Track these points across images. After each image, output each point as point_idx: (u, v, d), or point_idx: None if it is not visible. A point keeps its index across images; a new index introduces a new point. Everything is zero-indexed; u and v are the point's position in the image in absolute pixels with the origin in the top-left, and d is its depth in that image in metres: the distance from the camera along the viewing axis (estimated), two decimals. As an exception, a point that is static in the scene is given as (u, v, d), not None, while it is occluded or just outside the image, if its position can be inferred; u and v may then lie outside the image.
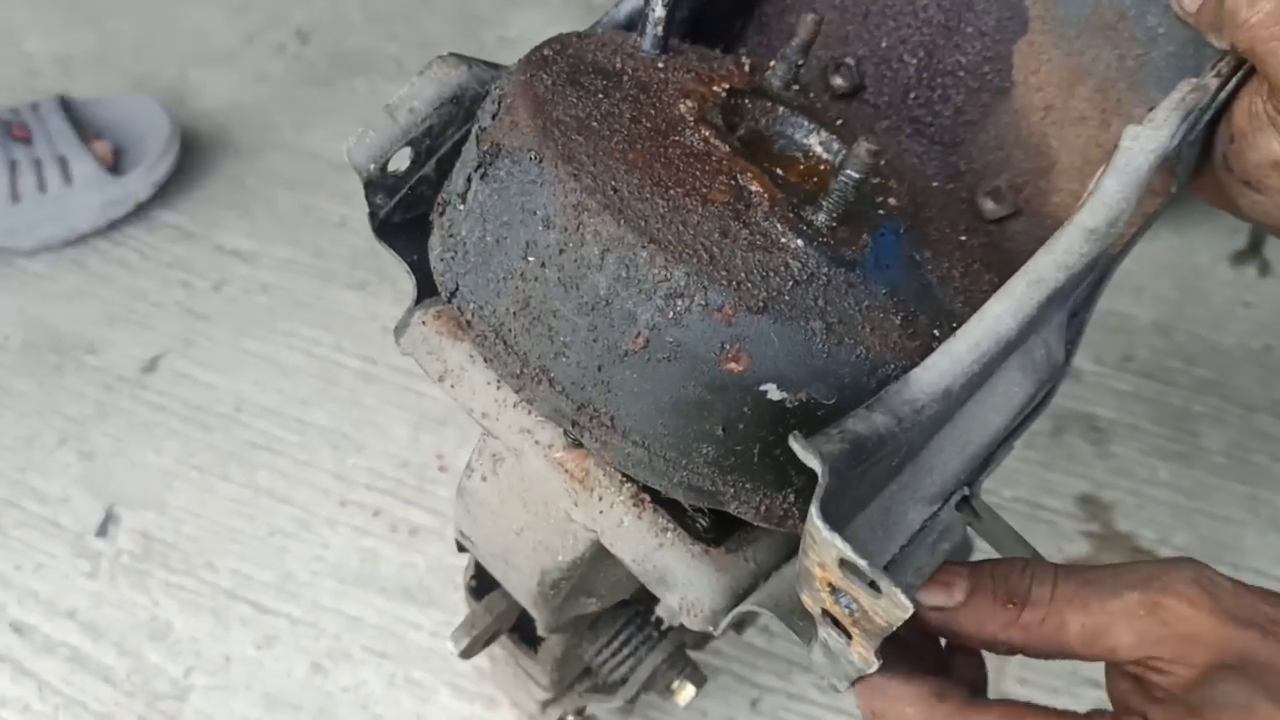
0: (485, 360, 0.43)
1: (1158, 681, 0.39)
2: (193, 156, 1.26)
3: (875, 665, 0.36)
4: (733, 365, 0.37)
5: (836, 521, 0.32)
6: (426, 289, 0.47)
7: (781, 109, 0.47)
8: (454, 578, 0.93)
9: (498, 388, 0.45)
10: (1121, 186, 0.39)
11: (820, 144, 0.47)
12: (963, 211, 0.51)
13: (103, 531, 0.96)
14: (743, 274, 0.38)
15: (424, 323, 0.48)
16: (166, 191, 1.21)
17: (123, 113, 1.22)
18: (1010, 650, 0.41)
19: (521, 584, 0.52)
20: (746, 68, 0.50)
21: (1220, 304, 1.14)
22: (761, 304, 0.37)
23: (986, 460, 0.42)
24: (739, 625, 0.85)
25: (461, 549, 0.57)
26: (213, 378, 1.07)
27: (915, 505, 0.39)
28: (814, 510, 0.32)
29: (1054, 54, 0.49)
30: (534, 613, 0.55)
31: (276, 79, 1.36)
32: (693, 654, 0.88)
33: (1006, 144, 0.51)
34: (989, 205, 0.50)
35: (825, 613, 0.36)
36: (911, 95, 0.52)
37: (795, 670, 0.88)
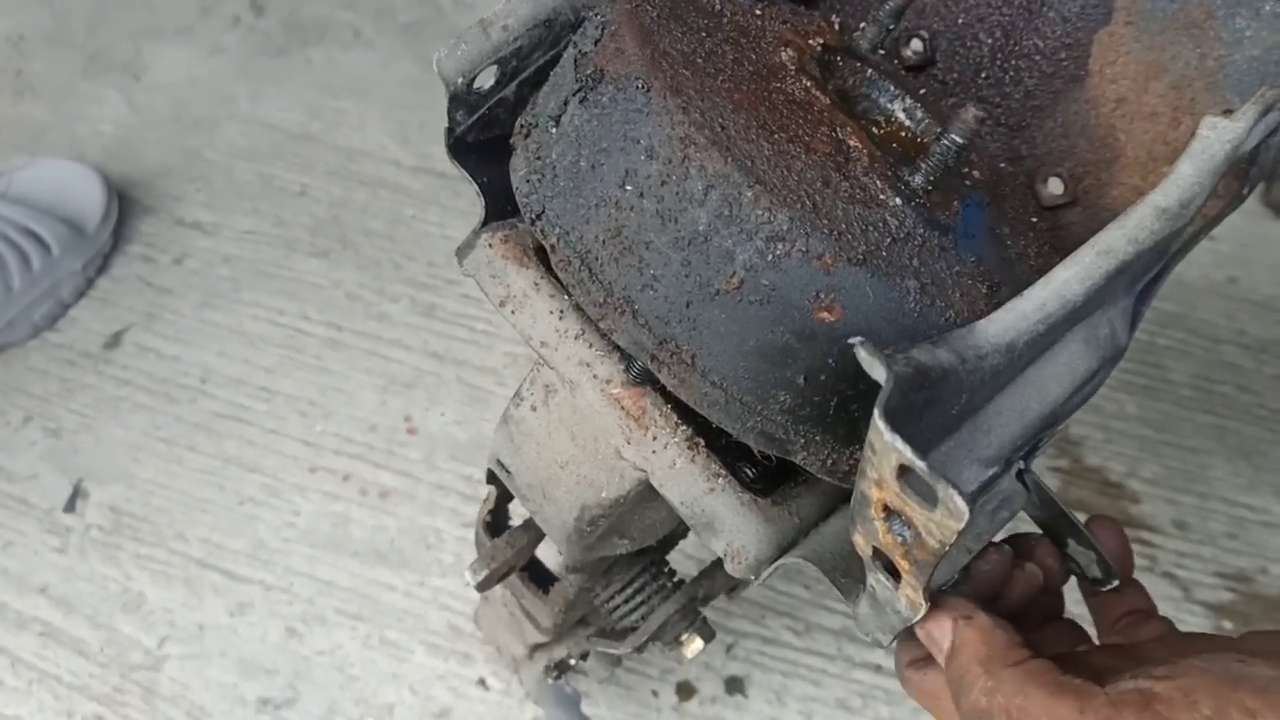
0: (567, 287, 0.42)
1: None
2: (150, 131, 1.25)
3: (924, 608, 0.36)
4: (825, 315, 0.37)
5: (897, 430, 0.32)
6: (495, 212, 0.47)
7: (870, 71, 0.47)
8: (425, 538, 0.93)
9: (560, 317, 0.45)
10: (1196, 171, 0.38)
11: (904, 111, 0.47)
12: (1023, 195, 0.51)
13: (71, 507, 0.96)
14: (844, 225, 0.37)
15: (490, 245, 0.47)
16: (125, 167, 1.20)
17: (42, 176, 1.13)
18: None
19: (557, 517, 0.52)
20: (836, 26, 0.49)
21: (1185, 239, 1.14)
22: (861, 256, 0.37)
23: (1042, 431, 0.41)
24: (731, 590, 0.86)
25: (491, 479, 0.56)
26: (177, 350, 1.06)
27: (971, 466, 0.39)
28: (877, 413, 0.31)
29: (1134, 47, 0.48)
30: (563, 548, 0.55)
31: (232, 51, 1.35)
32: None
33: (1073, 133, 0.50)
34: (1047, 191, 0.50)
35: (876, 553, 0.36)
36: (982, 75, 0.52)
37: (769, 615, 0.89)
